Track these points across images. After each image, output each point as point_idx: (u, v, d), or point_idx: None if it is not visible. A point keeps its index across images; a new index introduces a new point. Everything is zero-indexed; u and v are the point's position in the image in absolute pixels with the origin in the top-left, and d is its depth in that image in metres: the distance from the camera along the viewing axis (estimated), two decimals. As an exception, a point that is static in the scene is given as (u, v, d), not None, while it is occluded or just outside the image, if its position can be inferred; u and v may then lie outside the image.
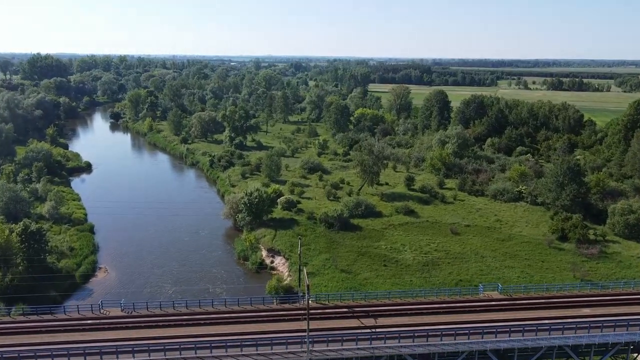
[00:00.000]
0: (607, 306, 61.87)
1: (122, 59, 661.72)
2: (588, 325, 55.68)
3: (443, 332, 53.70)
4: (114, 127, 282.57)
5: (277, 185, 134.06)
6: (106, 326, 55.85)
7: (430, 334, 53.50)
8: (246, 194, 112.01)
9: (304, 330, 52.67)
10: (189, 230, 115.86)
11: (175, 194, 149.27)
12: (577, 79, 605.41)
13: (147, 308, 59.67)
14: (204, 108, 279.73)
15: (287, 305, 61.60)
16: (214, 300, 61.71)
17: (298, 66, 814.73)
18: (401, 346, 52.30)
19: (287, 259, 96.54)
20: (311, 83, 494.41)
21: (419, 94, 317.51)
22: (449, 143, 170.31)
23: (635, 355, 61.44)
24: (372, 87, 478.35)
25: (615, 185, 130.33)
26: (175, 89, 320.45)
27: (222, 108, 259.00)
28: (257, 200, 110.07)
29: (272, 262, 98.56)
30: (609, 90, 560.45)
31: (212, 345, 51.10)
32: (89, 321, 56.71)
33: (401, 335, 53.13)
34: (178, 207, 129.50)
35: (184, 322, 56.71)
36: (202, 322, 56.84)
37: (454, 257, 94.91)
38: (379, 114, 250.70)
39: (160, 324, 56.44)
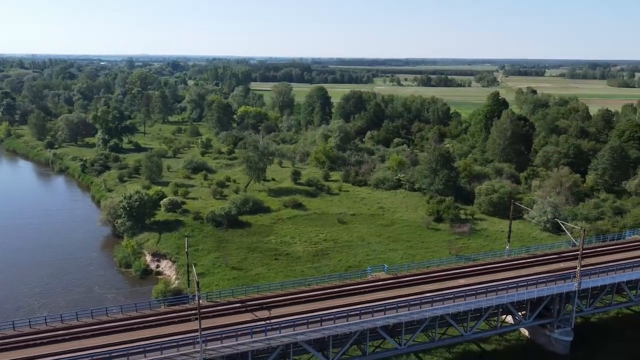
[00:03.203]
0: (479, 275, 67.75)
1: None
2: (464, 294, 60.48)
3: (336, 316, 54.84)
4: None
5: (159, 187, 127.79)
6: (-37, 353, 48.71)
7: (324, 318, 54.32)
8: (125, 198, 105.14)
9: (196, 331, 50.63)
10: (61, 241, 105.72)
11: (43, 203, 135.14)
12: (443, 76, 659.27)
13: (14, 327, 53.13)
14: (71, 110, 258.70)
15: (176, 308, 58.72)
16: (94, 310, 56.72)
17: (176, 65, 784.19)
18: (296, 334, 52.46)
19: (174, 262, 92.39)
20: (190, 82, 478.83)
21: (301, 92, 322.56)
22: (332, 137, 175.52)
23: (504, 317, 68.24)
24: (254, 85, 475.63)
25: (480, 169, 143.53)
26: (37, 90, 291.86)
27: (93, 109, 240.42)
28: (137, 203, 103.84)
29: (157, 266, 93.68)
30: (470, 86, 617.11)
31: (94, 357, 46.98)
32: (-61, 350, 49.02)
33: (296, 323, 53.32)
34: (46, 218, 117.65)
35: (61, 338, 51.41)
36: (81, 335, 51.99)
37: (343, 245, 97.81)
38: (262, 111, 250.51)
39: (31, 343, 50.57)
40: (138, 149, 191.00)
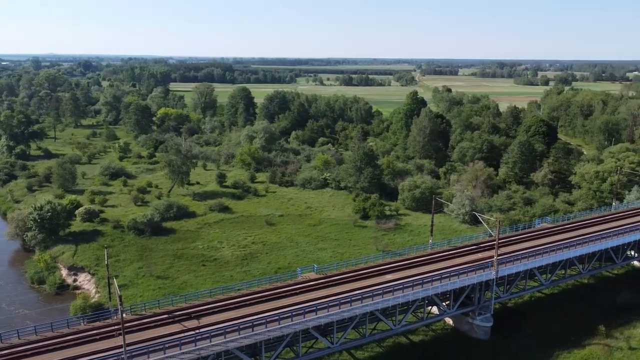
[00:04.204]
0: (405, 270, 69.83)
1: None
2: (392, 289, 62.07)
3: (267, 320, 54.22)
4: None
5: (74, 196, 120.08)
6: None
7: (255, 323, 53.53)
8: (35, 209, 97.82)
9: (120, 347, 48.02)
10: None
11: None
12: (364, 76, 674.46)
13: None
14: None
15: (98, 324, 55.33)
16: (3, 333, 52.09)
17: (88, 65, 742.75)
18: (227, 341, 51.27)
19: (93, 275, 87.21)
20: (105, 83, 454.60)
21: (223, 92, 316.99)
22: (257, 138, 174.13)
23: (430, 308, 70.93)
24: (173, 86, 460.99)
25: (402, 166, 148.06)
26: None
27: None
28: (49, 214, 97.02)
29: (75, 280, 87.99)
30: (390, 85, 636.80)
31: (5, 386, 43.22)
32: None
33: (226, 330, 52.09)
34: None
35: (-36, 367, 46.82)
36: (-12, 362, 47.65)
37: (271, 247, 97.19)
38: (183, 113, 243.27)
39: None
40: (48, 155, 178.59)
